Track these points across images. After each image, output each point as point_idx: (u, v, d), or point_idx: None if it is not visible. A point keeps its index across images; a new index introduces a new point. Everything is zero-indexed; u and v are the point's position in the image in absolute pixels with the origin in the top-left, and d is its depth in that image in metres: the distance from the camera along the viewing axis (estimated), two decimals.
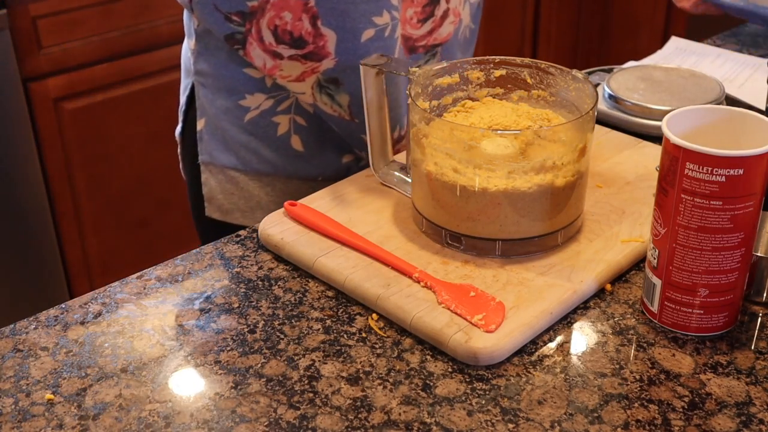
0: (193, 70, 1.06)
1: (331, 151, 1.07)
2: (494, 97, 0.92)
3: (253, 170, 1.07)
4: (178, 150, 1.15)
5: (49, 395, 0.69)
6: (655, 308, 0.76)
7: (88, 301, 0.80)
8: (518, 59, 0.91)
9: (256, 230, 0.90)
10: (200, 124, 1.08)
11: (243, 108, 1.04)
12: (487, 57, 0.92)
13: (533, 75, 0.90)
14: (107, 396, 0.69)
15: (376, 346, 0.75)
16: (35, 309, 0.82)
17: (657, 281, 0.75)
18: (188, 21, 1.06)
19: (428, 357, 0.73)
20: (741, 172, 0.68)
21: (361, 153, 1.07)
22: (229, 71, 1.03)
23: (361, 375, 0.71)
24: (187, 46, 1.08)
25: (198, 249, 0.88)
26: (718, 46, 1.42)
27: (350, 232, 0.85)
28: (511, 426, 0.66)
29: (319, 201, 0.92)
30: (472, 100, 0.92)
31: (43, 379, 0.71)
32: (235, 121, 1.05)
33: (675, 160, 0.70)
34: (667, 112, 0.74)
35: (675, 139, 0.70)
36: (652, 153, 1.01)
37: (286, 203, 0.90)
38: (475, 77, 0.92)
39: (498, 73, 0.91)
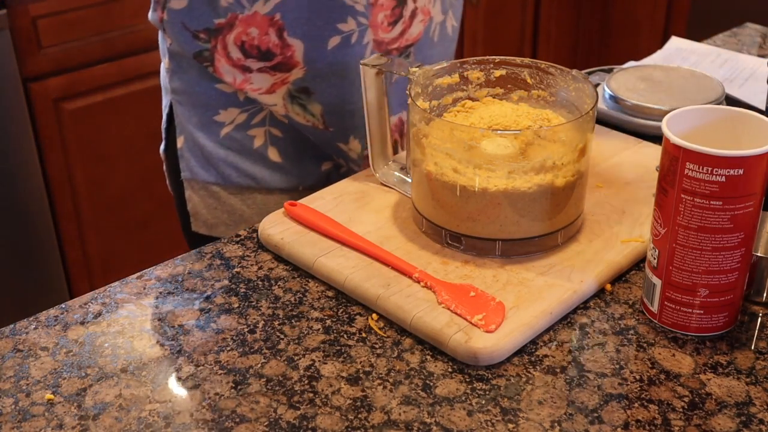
0: (169, 88, 1.07)
1: (310, 160, 1.07)
2: (494, 97, 0.92)
3: (233, 184, 1.08)
4: (164, 167, 1.16)
5: (49, 395, 0.69)
6: (655, 308, 0.76)
7: (88, 301, 0.80)
8: (518, 59, 0.91)
9: (256, 230, 0.90)
10: (180, 142, 1.09)
11: (218, 123, 1.05)
12: (487, 57, 0.92)
13: (533, 75, 0.90)
14: (107, 396, 0.69)
15: (376, 346, 0.75)
16: (35, 309, 0.82)
17: (657, 281, 0.75)
18: (162, 41, 1.06)
19: (428, 357, 0.73)
20: (741, 172, 0.68)
21: (339, 160, 1.08)
22: (202, 88, 1.03)
23: (361, 375, 0.71)
24: (163, 65, 1.08)
25: (198, 249, 0.88)
26: (718, 46, 1.42)
27: (350, 232, 0.85)
28: (511, 426, 0.66)
29: (319, 201, 0.92)
30: (472, 100, 0.92)
31: (43, 379, 0.71)
32: (212, 137, 1.05)
33: (675, 160, 0.70)
34: (667, 112, 0.74)
35: (675, 139, 0.70)
36: (652, 153, 1.01)
37: (286, 203, 0.90)
38: (475, 77, 0.92)
39: (498, 73, 0.91)
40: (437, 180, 0.82)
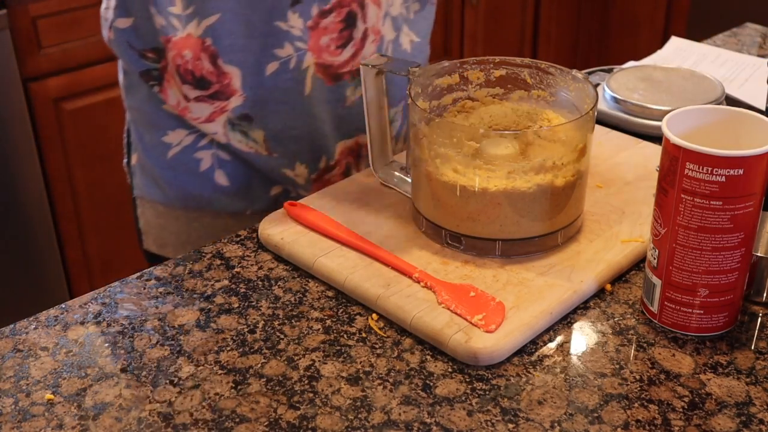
0: (125, 105, 1.05)
1: (258, 184, 1.04)
2: (494, 97, 0.92)
3: (180, 206, 1.05)
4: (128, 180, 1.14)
5: (49, 395, 0.69)
6: (655, 308, 0.76)
7: (88, 301, 0.80)
8: (518, 59, 0.91)
9: (256, 230, 0.90)
10: (133, 159, 1.07)
11: (166, 144, 1.02)
12: (487, 57, 0.91)
13: (533, 75, 0.90)
14: (107, 396, 0.69)
15: (376, 346, 0.75)
16: (35, 309, 0.82)
17: (657, 281, 0.75)
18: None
19: (428, 357, 0.73)
20: (741, 172, 0.68)
21: (288, 186, 1.04)
22: (151, 107, 1.01)
23: (361, 375, 0.71)
24: (120, 82, 1.06)
25: (198, 249, 0.88)
26: (718, 46, 1.42)
27: (350, 232, 0.85)
28: (511, 426, 0.66)
29: (319, 201, 0.92)
30: (472, 100, 0.92)
31: (43, 379, 0.71)
32: (160, 158, 1.03)
33: (675, 160, 0.70)
34: (667, 112, 0.74)
35: (675, 139, 0.70)
36: (652, 153, 1.01)
37: (286, 203, 0.90)
38: (475, 77, 0.92)
39: (498, 73, 0.91)
40: (437, 180, 0.82)
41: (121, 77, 1.04)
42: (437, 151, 0.82)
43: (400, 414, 0.68)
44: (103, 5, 1.00)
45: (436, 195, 0.83)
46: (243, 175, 1.03)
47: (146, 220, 1.10)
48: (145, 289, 0.82)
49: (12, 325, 0.77)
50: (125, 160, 1.11)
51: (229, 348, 0.74)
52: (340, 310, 0.79)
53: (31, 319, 0.78)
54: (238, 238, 0.89)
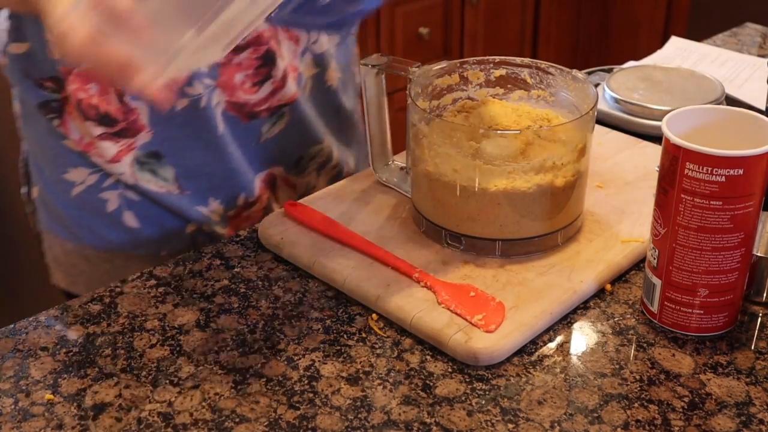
0: (22, 135, 0.97)
1: (171, 224, 0.97)
2: (494, 97, 0.92)
3: (90, 245, 0.98)
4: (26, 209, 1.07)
5: (49, 395, 0.69)
6: (655, 308, 0.76)
7: (88, 301, 0.80)
8: (518, 59, 0.91)
9: (256, 230, 0.89)
10: (35, 192, 1.00)
11: (68, 182, 0.94)
12: (487, 57, 0.92)
13: (533, 75, 0.90)
14: (107, 396, 0.69)
15: (376, 346, 0.75)
16: (35, 309, 0.82)
17: (657, 281, 0.75)
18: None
19: (428, 357, 0.73)
20: (741, 172, 0.68)
21: (203, 226, 0.99)
22: (50, 141, 0.93)
23: (361, 375, 0.71)
24: (14, 109, 0.98)
25: (198, 249, 0.88)
26: (718, 46, 1.42)
27: (350, 233, 0.85)
28: (511, 426, 0.66)
29: (319, 201, 0.92)
30: (472, 100, 0.92)
31: (42, 379, 0.71)
32: (63, 195, 0.96)
33: (675, 160, 0.70)
34: (667, 112, 0.74)
35: (675, 139, 0.70)
36: (652, 153, 1.01)
37: (286, 203, 0.90)
38: (475, 77, 0.92)
39: (498, 73, 0.91)
40: (437, 180, 0.82)
41: (16, 104, 0.96)
42: (437, 151, 0.82)
43: (400, 414, 0.68)
44: None
45: (436, 195, 0.83)
46: (154, 216, 0.96)
47: (54, 256, 1.02)
48: (144, 288, 0.82)
49: (12, 325, 0.77)
50: (23, 190, 1.04)
51: (229, 348, 0.74)
52: (340, 310, 0.79)
53: (31, 319, 0.78)
54: (238, 238, 0.89)
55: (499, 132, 0.84)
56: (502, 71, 0.91)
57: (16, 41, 0.87)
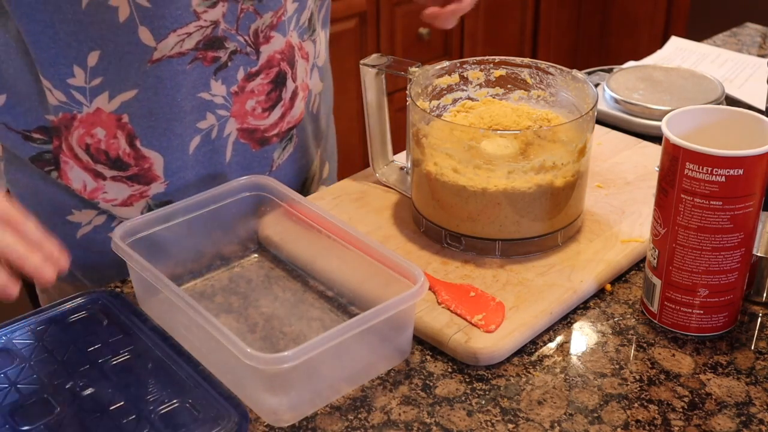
0: (6, 178, 0.90)
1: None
2: (494, 97, 0.92)
3: (92, 285, 0.93)
4: None
5: None
6: (655, 308, 0.76)
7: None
8: (518, 59, 0.91)
9: (256, 230, 0.89)
10: None
11: (73, 224, 0.90)
12: (487, 57, 0.92)
13: (533, 75, 0.90)
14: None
15: None
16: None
17: (657, 281, 0.75)
18: None
19: (428, 357, 0.73)
20: (741, 172, 0.68)
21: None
22: (48, 186, 0.88)
23: None
24: None
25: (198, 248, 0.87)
26: (718, 46, 1.42)
27: (350, 233, 0.85)
28: (511, 426, 0.66)
29: (319, 201, 0.92)
30: (472, 100, 0.92)
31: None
32: (65, 239, 0.87)
33: (675, 160, 0.70)
34: (667, 112, 0.74)
35: (675, 139, 0.70)
36: (652, 153, 1.01)
37: (285, 203, 0.90)
38: (475, 77, 0.92)
39: (498, 73, 0.91)
40: (437, 180, 0.82)
41: None
42: (437, 150, 0.82)
43: (400, 414, 0.68)
44: None
45: (436, 195, 0.83)
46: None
47: (50, 299, 0.97)
48: None
49: None
50: None
51: None
52: (340, 310, 0.79)
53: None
54: (238, 239, 0.89)
55: (498, 132, 0.84)
56: (502, 71, 0.91)
57: None
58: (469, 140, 0.81)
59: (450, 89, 0.91)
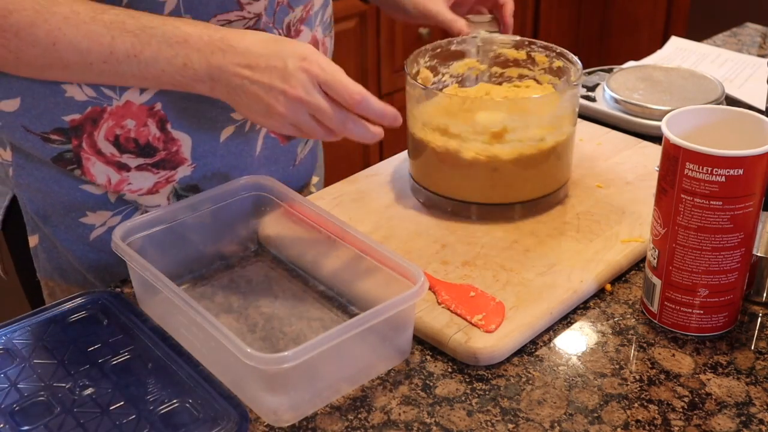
0: (14, 183, 0.89)
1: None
2: (499, 76, 0.99)
3: (103, 287, 0.91)
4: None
5: None
6: (655, 308, 0.76)
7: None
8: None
9: (256, 230, 0.89)
10: (33, 241, 0.93)
11: (86, 225, 0.90)
12: (552, 44, 0.96)
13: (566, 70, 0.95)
14: None
15: None
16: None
17: (657, 281, 0.75)
18: None
19: (428, 357, 0.73)
20: (741, 172, 0.68)
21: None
22: (63, 188, 0.88)
23: None
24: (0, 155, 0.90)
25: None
26: (718, 46, 1.42)
27: (350, 232, 0.85)
28: (511, 426, 0.66)
29: (319, 201, 0.92)
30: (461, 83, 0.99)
31: None
32: (79, 240, 0.91)
33: (675, 160, 0.70)
34: (667, 112, 0.74)
35: (675, 139, 0.70)
36: (652, 153, 1.01)
37: (285, 203, 0.90)
38: (541, 61, 0.97)
39: (558, 63, 0.96)
40: (435, 151, 0.87)
41: (4, 152, 0.88)
42: (432, 123, 0.87)
43: (400, 414, 0.68)
44: None
45: (433, 164, 0.89)
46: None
47: (57, 297, 0.96)
48: None
49: None
50: None
51: None
52: (340, 310, 0.79)
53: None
54: (238, 239, 0.89)
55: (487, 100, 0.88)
56: (560, 62, 0.95)
57: (4, 98, 0.83)
58: (462, 111, 0.87)
59: (516, 63, 0.97)
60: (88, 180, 0.87)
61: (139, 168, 0.87)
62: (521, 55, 0.97)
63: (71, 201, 0.88)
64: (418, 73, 0.94)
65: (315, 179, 1.10)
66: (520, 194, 0.88)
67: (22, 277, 1.00)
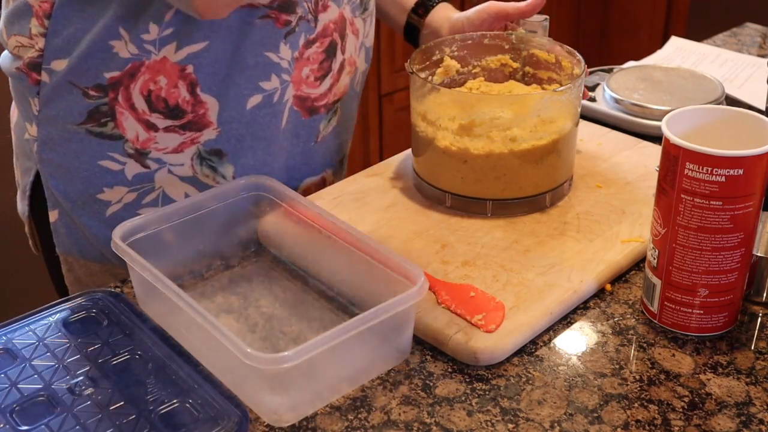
0: (37, 158, 0.94)
1: None
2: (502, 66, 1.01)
3: (119, 265, 0.93)
4: (26, 229, 1.04)
5: None
6: (655, 308, 0.76)
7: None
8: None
9: (256, 230, 0.89)
10: (53, 216, 0.96)
11: (103, 202, 0.93)
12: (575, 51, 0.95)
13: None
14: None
15: None
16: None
17: (657, 281, 0.75)
18: (23, 104, 0.94)
19: (428, 357, 0.73)
20: (741, 172, 0.68)
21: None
22: (83, 163, 0.91)
23: None
24: (23, 126, 0.95)
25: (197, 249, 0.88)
26: (718, 46, 1.42)
27: (349, 232, 0.85)
28: (511, 426, 0.66)
29: (319, 201, 0.92)
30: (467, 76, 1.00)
31: None
32: (95, 216, 0.94)
33: (675, 160, 0.70)
34: (667, 112, 0.74)
35: (675, 139, 0.70)
36: (652, 153, 1.01)
37: (285, 203, 0.90)
38: (567, 66, 0.96)
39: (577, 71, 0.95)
40: (437, 145, 0.88)
41: (30, 127, 0.93)
42: (438, 118, 0.87)
43: (400, 414, 0.68)
44: (19, 52, 0.90)
45: (437, 158, 0.89)
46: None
47: (75, 278, 1.00)
48: None
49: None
50: (23, 209, 1.01)
51: None
52: (340, 310, 0.79)
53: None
54: (238, 239, 0.89)
55: (490, 95, 0.88)
56: (578, 70, 0.95)
57: (57, 58, 0.88)
58: (466, 106, 0.88)
59: (547, 67, 0.98)
60: (105, 154, 0.90)
61: (166, 129, 0.90)
62: (551, 58, 0.97)
63: (90, 176, 0.92)
64: (441, 60, 0.97)
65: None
66: (523, 190, 0.89)
67: (46, 252, 1.03)
